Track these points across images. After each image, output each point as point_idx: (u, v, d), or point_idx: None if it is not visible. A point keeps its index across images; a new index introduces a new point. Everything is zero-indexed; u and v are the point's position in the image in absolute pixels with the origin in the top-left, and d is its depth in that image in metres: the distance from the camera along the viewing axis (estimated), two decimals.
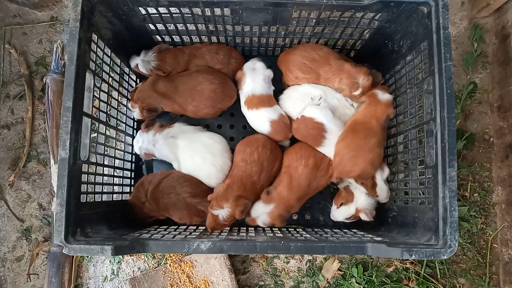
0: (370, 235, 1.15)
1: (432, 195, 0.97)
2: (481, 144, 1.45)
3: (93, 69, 1.04)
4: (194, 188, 1.22)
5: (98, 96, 1.12)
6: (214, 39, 1.32)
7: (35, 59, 1.52)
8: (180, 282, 1.36)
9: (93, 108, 1.06)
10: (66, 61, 0.94)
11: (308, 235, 1.13)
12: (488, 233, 1.40)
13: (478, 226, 1.40)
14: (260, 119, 1.25)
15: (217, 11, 1.13)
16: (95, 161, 1.09)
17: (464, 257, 1.40)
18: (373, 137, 1.14)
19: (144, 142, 1.25)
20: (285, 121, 1.25)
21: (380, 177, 1.19)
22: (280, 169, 1.25)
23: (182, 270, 1.37)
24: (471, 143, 1.44)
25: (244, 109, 1.28)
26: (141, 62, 1.29)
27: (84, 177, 1.00)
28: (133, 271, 1.41)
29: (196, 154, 1.23)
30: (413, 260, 1.36)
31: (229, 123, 1.40)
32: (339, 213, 1.24)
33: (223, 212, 1.14)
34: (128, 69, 1.34)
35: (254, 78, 1.25)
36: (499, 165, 1.40)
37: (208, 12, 1.13)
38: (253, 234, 1.16)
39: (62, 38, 1.52)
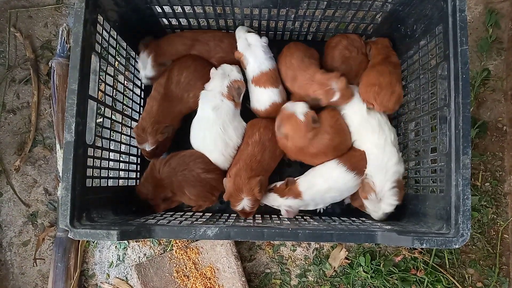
0: (379, 224, 1.13)
1: (444, 183, 0.95)
2: (494, 132, 1.42)
3: (99, 52, 1.02)
4: (207, 164, 1.21)
5: (104, 79, 1.10)
6: (221, 22, 1.29)
7: (40, 43, 1.50)
8: (186, 268, 1.36)
9: (99, 92, 1.04)
10: (72, 43, 0.92)
11: (316, 223, 1.12)
12: (499, 223, 1.38)
13: (489, 216, 1.37)
14: (263, 97, 1.24)
15: None
16: (101, 146, 1.07)
17: (473, 247, 1.38)
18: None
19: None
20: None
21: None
22: (283, 152, 1.25)
23: (188, 256, 1.36)
24: (484, 132, 1.41)
25: (250, 84, 1.26)
26: (145, 80, 1.30)
27: (90, 161, 0.99)
28: (139, 257, 1.41)
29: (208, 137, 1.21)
30: (422, 249, 1.34)
31: None
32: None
33: (245, 203, 1.14)
34: (134, 53, 1.31)
35: (255, 54, 1.22)
36: None
37: None
38: (260, 221, 1.15)
39: (68, 22, 1.49)
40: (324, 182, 1.19)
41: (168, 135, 1.24)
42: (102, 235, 0.86)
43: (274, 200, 1.17)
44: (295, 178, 1.21)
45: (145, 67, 1.26)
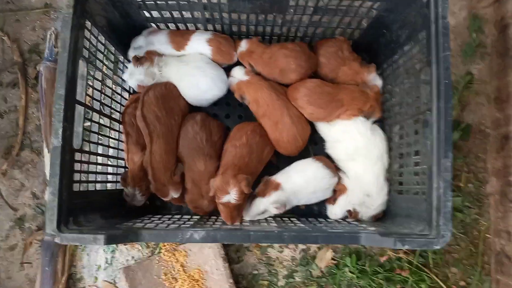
0: (364, 225, 1.15)
1: (426, 185, 0.97)
2: (477, 135, 1.45)
3: (87, 57, 1.02)
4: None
5: (92, 84, 1.10)
6: (210, 27, 1.30)
7: (28, 47, 1.50)
8: (174, 271, 1.36)
9: (87, 97, 1.04)
10: (59, 48, 0.92)
11: (302, 225, 1.13)
12: (481, 224, 1.41)
13: (472, 216, 1.41)
14: (196, 45, 1.30)
15: None
16: (88, 150, 1.08)
17: (457, 247, 1.41)
18: None
19: (140, 74, 1.25)
20: (224, 39, 1.30)
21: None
22: (269, 155, 1.27)
23: (176, 259, 1.37)
24: (467, 134, 1.44)
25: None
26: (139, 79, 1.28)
27: (77, 166, 0.99)
28: (127, 260, 1.41)
29: (189, 73, 1.27)
30: (406, 250, 1.37)
31: (224, 113, 1.38)
32: (338, 209, 1.24)
33: (231, 196, 1.12)
34: (122, 57, 1.32)
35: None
36: (494, 156, 1.41)
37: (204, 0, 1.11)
38: (248, 224, 1.16)
39: (56, 26, 1.49)
40: (301, 177, 1.21)
41: (181, 169, 1.25)
42: (89, 239, 0.87)
43: (259, 204, 1.18)
44: (270, 176, 1.24)
45: (134, 74, 1.27)
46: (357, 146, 1.21)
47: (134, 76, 1.25)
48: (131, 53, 1.30)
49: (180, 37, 1.30)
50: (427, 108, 0.99)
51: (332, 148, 1.28)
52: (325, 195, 1.26)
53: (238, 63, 1.33)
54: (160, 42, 1.29)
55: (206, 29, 1.32)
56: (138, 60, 1.24)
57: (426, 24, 1.00)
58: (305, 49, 1.28)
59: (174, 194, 1.22)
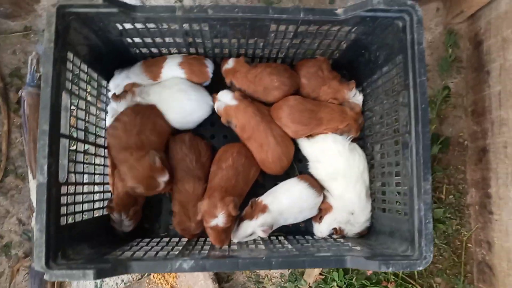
0: (349, 243, 1.18)
1: (408, 207, 1.00)
2: (456, 147, 1.50)
3: (69, 89, 1.03)
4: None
5: (75, 114, 1.11)
6: (192, 50, 1.31)
7: (9, 71, 1.49)
8: None
9: (70, 127, 1.05)
10: (42, 83, 0.92)
11: (289, 246, 1.15)
12: (463, 234, 1.46)
13: (454, 227, 1.45)
14: (170, 71, 1.31)
15: (195, 25, 1.12)
16: (74, 181, 1.08)
17: (440, 257, 1.45)
18: None
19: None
20: (195, 60, 1.32)
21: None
22: (255, 176, 1.29)
23: (166, 281, 1.37)
24: (446, 147, 1.48)
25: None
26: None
27: (63, 199, 0.99)
28: (117, 283, 1.41)
29: (172, 97, 1.29)
30: None
31: (210, 133, 1.40)
32: (324, 227, 1.26)
33: (219, 219, 1.13)
34: (105, 82, 1.32)
35: None
36: (473, 168, 1.45)
37: (186, 26, 1.12)
38: (236, 247, 1.17)
39: (37, 49, 1.48)
40: (287, 198, 1.23)
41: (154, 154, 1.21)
42: (78, 275, 0.87)
43: (247, 227, 1.19)
44: (258, 198, 1.25)
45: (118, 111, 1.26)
46: (336, 167, 1.24)
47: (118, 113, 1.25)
48: (111, 95, 1.29)
49: (153, 66, 1.31)
50: (406, 130, 1.02)
51: (314, 169, 1.30)
52: (311, 214, 1.28)
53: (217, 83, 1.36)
54: (136, 74, 1.31)
55: (189, 53, 1.33)
56: (118, 96, 1.24)
57: (403, 48, 1.03)
58: (287, 68, 1.31)
59: (163, 179, 1.18)
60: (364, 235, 1.28)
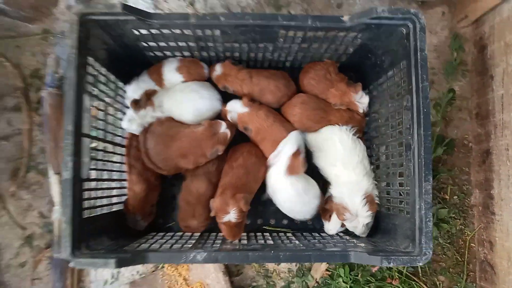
0: (354, 240, 1.23)
1: (410, 206, 1.05)
2: (461, 149, 1.54)
3: (90, 91, 1.09)
4: None
5: (95, 114, 1.18)
6: (204, 54, 1.37)
7: (29, 72, 1.56)
8: (177, 284, 1.44)
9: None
10: (65, 87, 0.99)
11: (297, 241, 1.21)
12: (466, 234, 1.50)
13: (457, 227, 1.49)
14: (170, 77, 1.39)
15: (208, 31, 1.18)
16: (94, 177, 1.15)
17: (444, 256, 1.49)
18: None
19: (143, 118, 1.32)
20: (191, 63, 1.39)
21: None
22: (265, 175, 1.33)
23: (179, 273, 1.44)
24: (451, 148, 1.52)
25: None
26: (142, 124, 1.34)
27: (85, 194, 1.06)
28: (132, 274, 1.48)
29: (187, 98, 1.35)
30: None
31: None
32: (333, 225, 1.31)
33: (231, 215, 1.20)
34: (122, 83, 1.39)
35: None
36: (477, 169, 1.49)
37: (199, 32, 1.18)
38: (246, 242, 1.23)
39: (55, 51, 1.55)
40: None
41: None
42: (100, 263, 0.94)
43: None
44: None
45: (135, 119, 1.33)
46: (336, 154, 1.29)
47: (135, 122, 1.31)
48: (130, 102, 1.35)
49: (155, 74, 1.38)
50: (409, 133, 1.07)
51: (316, 158, 1.36)
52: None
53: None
54: (145, 82, 1.38)
55: (200, 56, 1.39)
56: (138, 103, 1.31)
57: (407, 54, 1.08)
58: (285, 76, 1.38)
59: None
60: (370, 234, 1.32)
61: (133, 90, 1.37)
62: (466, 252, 1.48)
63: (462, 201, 1.51)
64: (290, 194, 1.25)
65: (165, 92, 1.37)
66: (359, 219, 1.25)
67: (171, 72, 1.37)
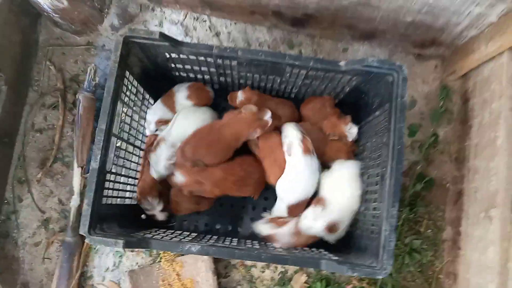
0: (331, 255, 1.40)
1: (378, 227, 1.22)
2: (439, 188, 1.71)
3: (123, 99, 1.31)
4: None
5: (123, 119, 1.39)
6: (222, 79, 1.59)
7: (69, 76, 1.80)
8: (171, 278, 1.60)
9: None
10: (104, 93, 1.21)
11: (281, 249, 1.38)
12: (436, 265, 1.65)
13: (428, 258, 1.64)
14: (181, 102, 1.59)
15: (227, 61, 1.39)
16: (115, 172, 1.35)
17: (413, 283, 1.64)
18: None
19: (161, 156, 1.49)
20: (199, 89, 1.59)
21: None
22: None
23: (173, 268, 1.61)
24: (431, 186, 1.69)
25: None
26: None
27: (106, 184, 1.26)
28: (132, 265, 1.66)
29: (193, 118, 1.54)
30: (369, 280, 1.60)
31: None
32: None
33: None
34: (148, 95, 1.61)
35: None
36: (451, 208, 1.65)
37: (219, 61, 1.40)
38: (236, 245, 1.41)
39: (95, 62, 1.79)
40: None
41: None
42: (111, 242, 1.13)
43: None
44: None
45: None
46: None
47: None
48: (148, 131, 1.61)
49: (168, 101, 1.59)
50: (384, 166, 1.25)
51: None
52: None
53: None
54: (159, 108, 1.60)
55: (219, 81, 1.61)
56: (153, 147, 1.53)
57: (390, 99, 1.28)
58: (292, 105, 1.61)
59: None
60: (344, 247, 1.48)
61: (151, 114, 1.60)
62: (434, 282, 1.63)
63: (435, 235, 1.67)
64: (309, 171, 1.42)
65: (170, 129, 1.54)
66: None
67: (182, 100, 1.58)
